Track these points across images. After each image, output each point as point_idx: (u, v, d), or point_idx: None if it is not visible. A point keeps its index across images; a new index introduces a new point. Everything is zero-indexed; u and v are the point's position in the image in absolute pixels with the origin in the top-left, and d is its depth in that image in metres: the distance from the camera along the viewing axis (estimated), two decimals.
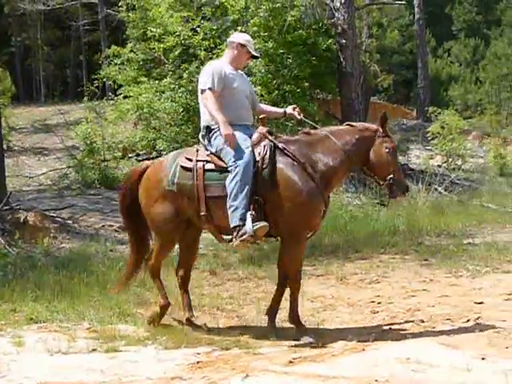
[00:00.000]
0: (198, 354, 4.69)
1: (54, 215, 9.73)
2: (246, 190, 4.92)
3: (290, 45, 12.71)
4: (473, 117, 23.78)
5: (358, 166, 5.35)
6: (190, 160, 5.20)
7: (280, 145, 5.15)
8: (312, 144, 5.20)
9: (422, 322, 5.38)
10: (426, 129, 17.11)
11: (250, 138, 5.16)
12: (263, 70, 12.30)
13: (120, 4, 15.12)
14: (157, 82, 13.12)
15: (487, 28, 31.43)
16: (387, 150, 5.17)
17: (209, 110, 5.16)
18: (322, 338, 4.97)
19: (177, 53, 12.99)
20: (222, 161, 5.10)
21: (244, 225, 4.91)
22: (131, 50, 14.41)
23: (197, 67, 11.95)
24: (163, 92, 12.73)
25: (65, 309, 5.81)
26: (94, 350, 4.84)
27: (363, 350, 4.59)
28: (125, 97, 13.61)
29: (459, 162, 15.46)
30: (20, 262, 7.57)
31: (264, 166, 5.04)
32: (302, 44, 12.90)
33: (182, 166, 5.20)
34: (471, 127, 19.90)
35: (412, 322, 5.41)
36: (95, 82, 14.84)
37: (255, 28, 12.43)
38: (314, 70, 13.03)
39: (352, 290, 6.70)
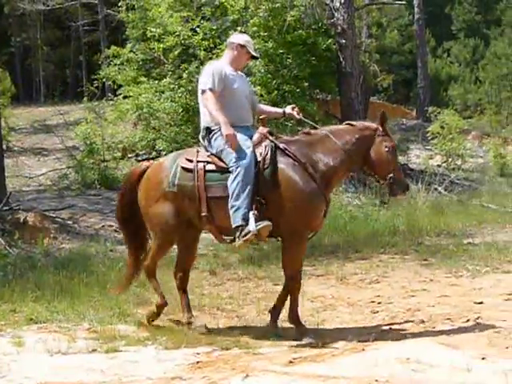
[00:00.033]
0: (198, 354, 4.69)
1: (54, 215, 9.74)
2: (247, 189, 4.92)
3: (290, 45, 12.70)
4: (472, 117, 23.74)
5: (359, 166, 5.36)
6: (191, 161, 5.20)
7: (281, 145, 5.15)
8: (312, 144, 5.21)
9: (422, 322, 5.38)
10: (426, 129, 17.11)
11: (251, 138, 5.16)
12: (263, 70, 12.29)
13: (120, 4, 15.11)
14: (156, 82, 13.11)
15: (487, 28, 31.40)
16: (387, 149, 5.18)
17: (209, 111, 5.16)
18: (322, 337, 4.97)
19: (176, 53, 12.98)
20: (223, 162, 5.10)
21: (247, 224, 4.91)
22: (131, 50, 14.41)
23: (196, 67, 11.95)
24: (163, 92, 12.73)
25: (65, 309, 5.81)
26: (93, 350, 4.84)
27: (363, 349, 4.59)
28: (124, 97, 13.61)
29: (459, 162, 15.46)
30: (20, 263, 7.57)
31: (265, 167, 5.05)
32: (301, 44, 12.90)
33: (182, 167, 5.20)
34: (471, 127, 19.88)
35: (412, 321, 5.41)
36: (95, 82, 14.85)
37: (255, 28, 12.42)
38: (313, 69, 13.03)
39: (352, 290, 6.71)
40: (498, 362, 4.15)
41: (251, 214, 4.92)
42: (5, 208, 9.10)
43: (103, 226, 9.74)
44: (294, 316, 5.20)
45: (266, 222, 4.92)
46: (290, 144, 5.20)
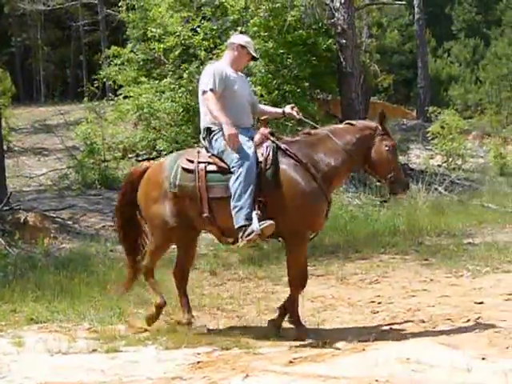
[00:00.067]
0: (199, 354, 4.69)
1: (54, 215, 9.75)
2: (249, 190, 4.92)
3: (290, 45, 12.70)
4: (473, 117, 23.72)
5: (359, 165, 5.37)
6: (192, 162, 5.19)
7: (282, 146, 5.16)
8: (313, 144, 5.22)
9: (423, 322, 5.38)
10: (426, 129, 17.13)
11: (252, 139, 5.17)
12: (263, 70, 12.29)
13: (120, 4, 15.10)
14: (157, 82, 13.12)
15: (487, 28, 31.38)
16: (387, 148, 5.19)
17: (211, 111, 5.15)
18: (323, 337, 4.97)
19: (177, 53, 12.98)
20: (224, 162, 5.10)
21: (250, 224, 4.91)
22: (131, 51, 14.41)
23: (197, 67, 11.96)
24: (163, 92, 12.73)
25: (65, 309, 5.82)
26: (94, 350, 4.85)
27: (363, 350, 4.59)
28: (125, 97, 13.61)
29: (459, 162, 15.47)
30: (20, 263, 7.58)
31: (267, 167, 5.05)
32: (302, 44, 12.89)
33: (183, 168, 5.20)
34: (471, 127, 19.89)
35: (412, 322, 5.41)
36: (95, 82, 14.84)
37: (255, 28, 12.42)
38: (314, 70, 13.03)
39: (352, 290, 6.71)
40: (498, 362, 4.15)
41: (254, 213, 4.92)
42: (5, 208, 9.11)
43: (103, 225, 9.75)
44: (294, 316, 5.20)
45: (270, 222, 4.91)
46: (291, 144, 5.21)
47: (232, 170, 5.00)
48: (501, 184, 14.13)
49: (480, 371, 3.99)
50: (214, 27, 12.96)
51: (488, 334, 4.85)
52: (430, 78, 24.75)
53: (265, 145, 5.15)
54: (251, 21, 12.52)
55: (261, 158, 5.07)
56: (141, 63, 14.26)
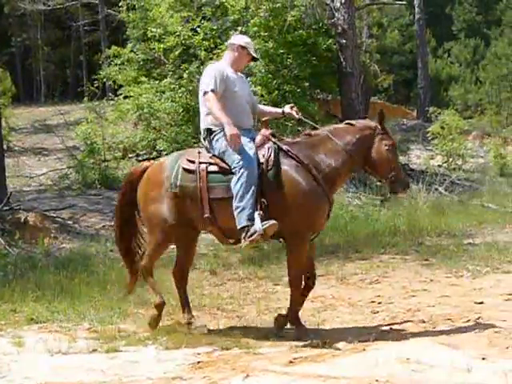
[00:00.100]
0: (199, 354, 4.69)
1: (55, 215, 9.75)
2: (251, 190, 4.92)
3: (291, 45, 12.70)
4: (473, 117, 23.73)
5: (360, 165, 5.37)
6: (193, 162, 5.19)
7: (284, 147, 5.17)
8: (314, 145, 5.23)
9: (423, 322, 5.38)
10: (427, 129, 17.11)
11: (253, 140, 5.17)
12: (263, 70, 12.29)
13: (120, 4, 15.10)
14: (157, 82, 13.11)
15: (487, 28, 31.38)
16: (387, 148, 5.19)
17: (212, 112, 5.15)
18: (323, 338, 4.97)
19: (177, 53, 12.98)
20: (225, 163, 5.10)
21: (252, 225, 4.90)
22: (131, 50, 14.41)
23: (197, 67, 11.95)
24: (163, 92, 12.73)
25: (65, 309, 5.82)
26: (94, 350, 4.85)
27: (363, 350, 4.59)
28: (125, 97, 13.60)
29: (459, 162, 15.46)
30: (20, 263, 7.59)
31: (269, 168, 5.06)
32: (302, 44, 12.89)
33: (184, 168, 5.19)
34: (471, 127, 19.88)
35: (412, 322, 5.41)
36: (95, 82, 14.82)
37: (255, 28, 12.42)
38: (314, 70, 13.03)
39: (352, 290, 6.71)
40: (498, 362, 4.15)
41: (256, 214, 4.92)
42: (5, 208, 9.11)
43: (104, 225, 9.75)
44: (294, 316, 5.20)
45: (272, 222, 4.91)
46: (292, 146, 5.21)
47: (233, 170, 5.00)
48: (501, 184, 14.12)
49: (480, 371, 3.98)
50: (214, 27, 12.96)
51: (488, 334, 4.85)
52: (430, 78, 24.76)
53: (266, 146, 5.16)
54: (251, 21, 12.52)
55: (262, 159, 5.07)
56: (141, 63, 14.26)
